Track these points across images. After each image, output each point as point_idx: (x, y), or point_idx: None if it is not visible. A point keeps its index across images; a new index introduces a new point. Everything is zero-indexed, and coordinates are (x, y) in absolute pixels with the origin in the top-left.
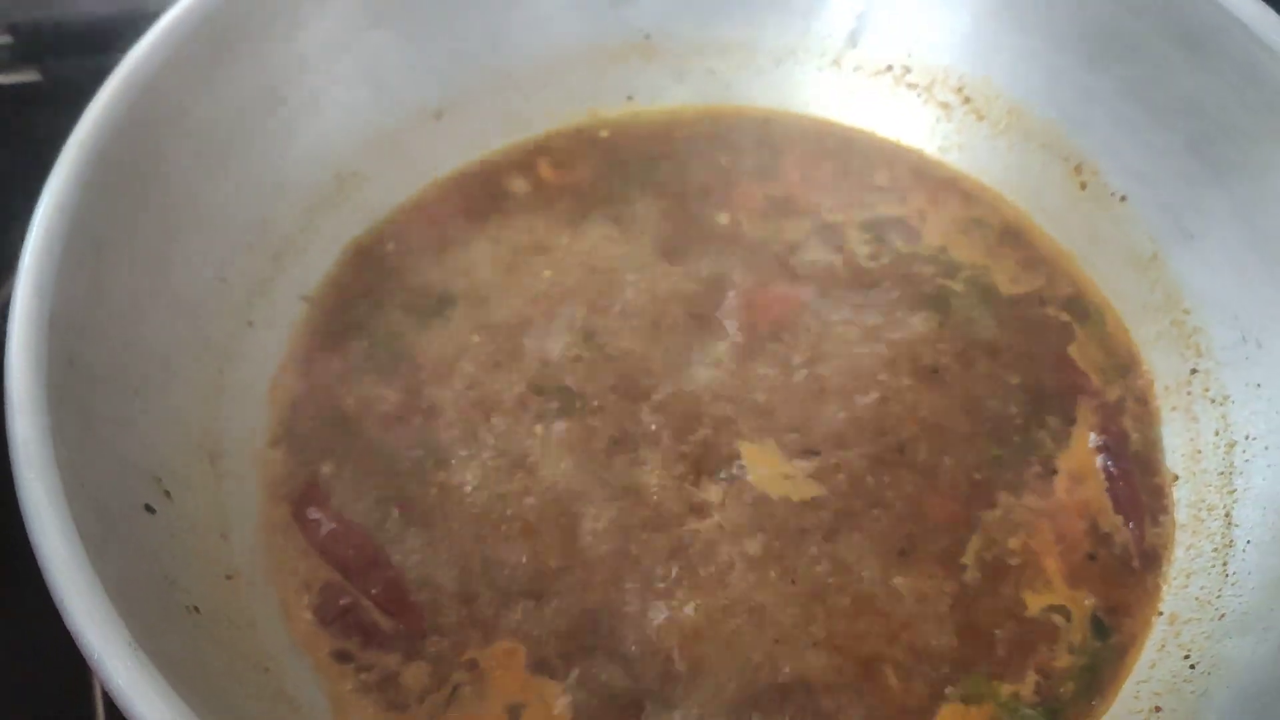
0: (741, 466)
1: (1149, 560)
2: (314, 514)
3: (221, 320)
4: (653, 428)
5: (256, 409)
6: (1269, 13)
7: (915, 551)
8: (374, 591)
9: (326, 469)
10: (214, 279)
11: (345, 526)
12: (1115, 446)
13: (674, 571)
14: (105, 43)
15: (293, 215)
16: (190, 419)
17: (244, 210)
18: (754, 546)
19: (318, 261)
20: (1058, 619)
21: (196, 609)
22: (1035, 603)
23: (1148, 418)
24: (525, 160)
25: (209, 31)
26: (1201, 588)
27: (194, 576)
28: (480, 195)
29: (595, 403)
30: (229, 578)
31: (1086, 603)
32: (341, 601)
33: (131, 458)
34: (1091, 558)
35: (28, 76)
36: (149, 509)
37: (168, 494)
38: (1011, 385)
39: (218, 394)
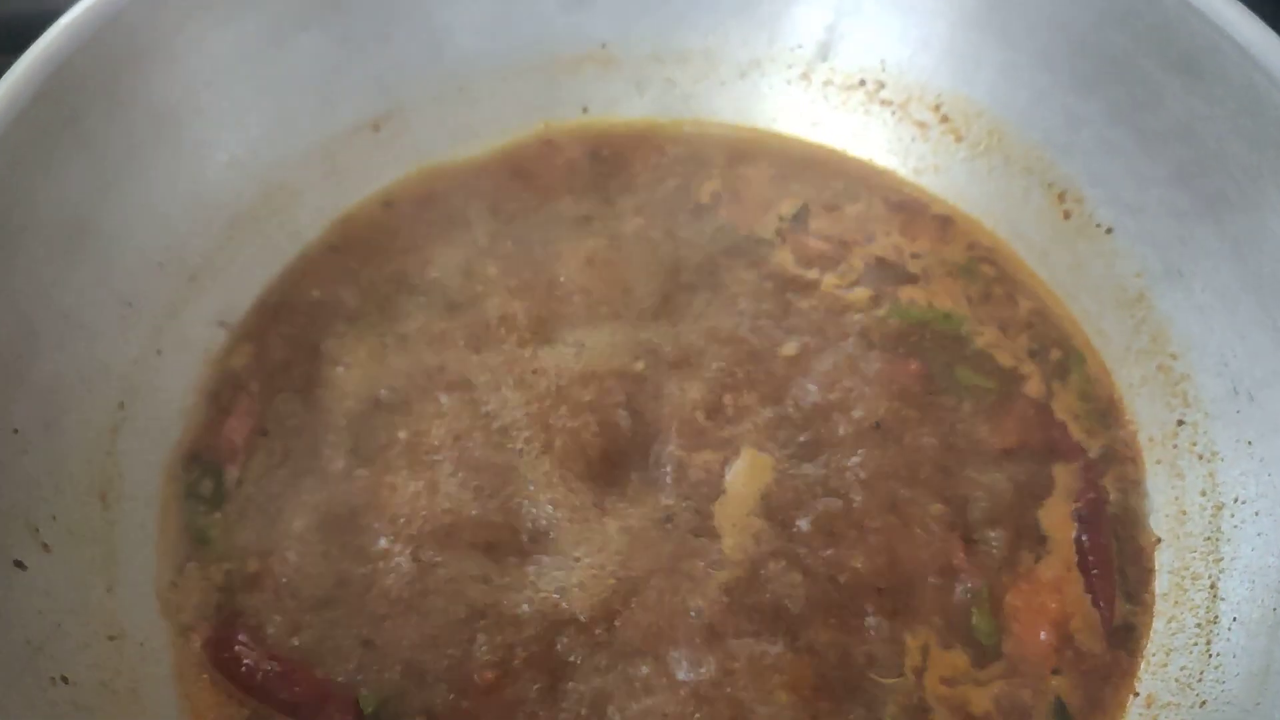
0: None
1: (1120, 637)
2: (245, 655)
3: (125, 348)
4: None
5: (162, 444)
6: (1270, 36)
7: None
8: None
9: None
10: (116, 303)
11: (284, 664)
12: (1091, 516)
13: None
14: (16, 43)
15: (211, 233)
16: (82, 458)
17: (153, 228)
18: None
19: (240, 284)
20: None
21: (64, 679)
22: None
23: (1132, 474)
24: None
25: (110, 36)
26: (1182, 668)
27: (67, 640)
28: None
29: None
30: (112, 638)
31: (1052, 683)
32: None
33: (3, 507)
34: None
35: None
36: (19, 565)
37: (45, 546)
38: (986, 453)
39: (116, 429)
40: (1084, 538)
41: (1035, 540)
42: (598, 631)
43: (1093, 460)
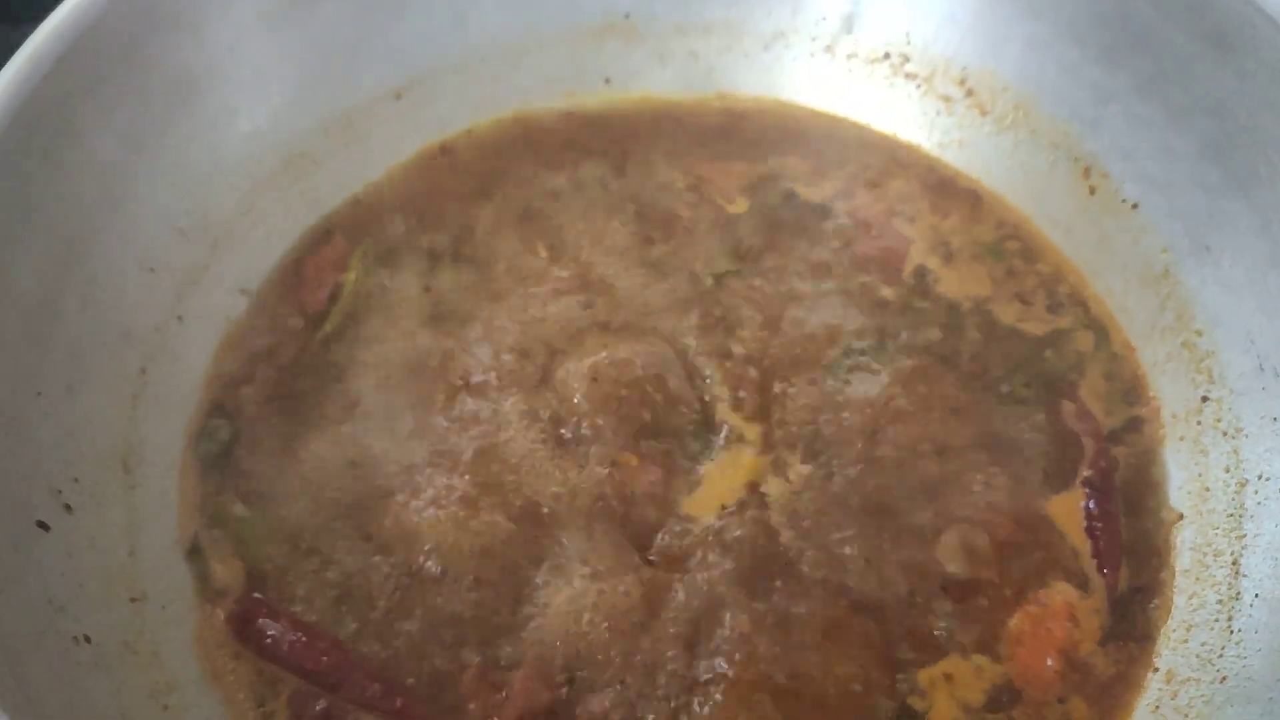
0: None
1: (1127, 608)
2: (269, 627)
3: (146, 314)
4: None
5: (183, 410)
6: None
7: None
8: (367, 695)
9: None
10: (138, 268)
11: (310, 634)
12: (1101, 483)
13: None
14: (36, 10)
15: (232, 200)
16: (104, 423)
17: (176, 195)
18: None
19: (260, 251)
20: None
21: (87, 638)
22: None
23: (1150, 448)
24: None
25: (131, 3)
26: (1203, 644)
27: (89, 601)
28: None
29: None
30: (134, 600)
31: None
32: (318, 707)
33: (26, 469)
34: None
35: None
36: (42, 525)
37: (68, 507)
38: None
39: (138, 395)
40: (1091, 504)
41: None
42: None
43: (1110, 433)
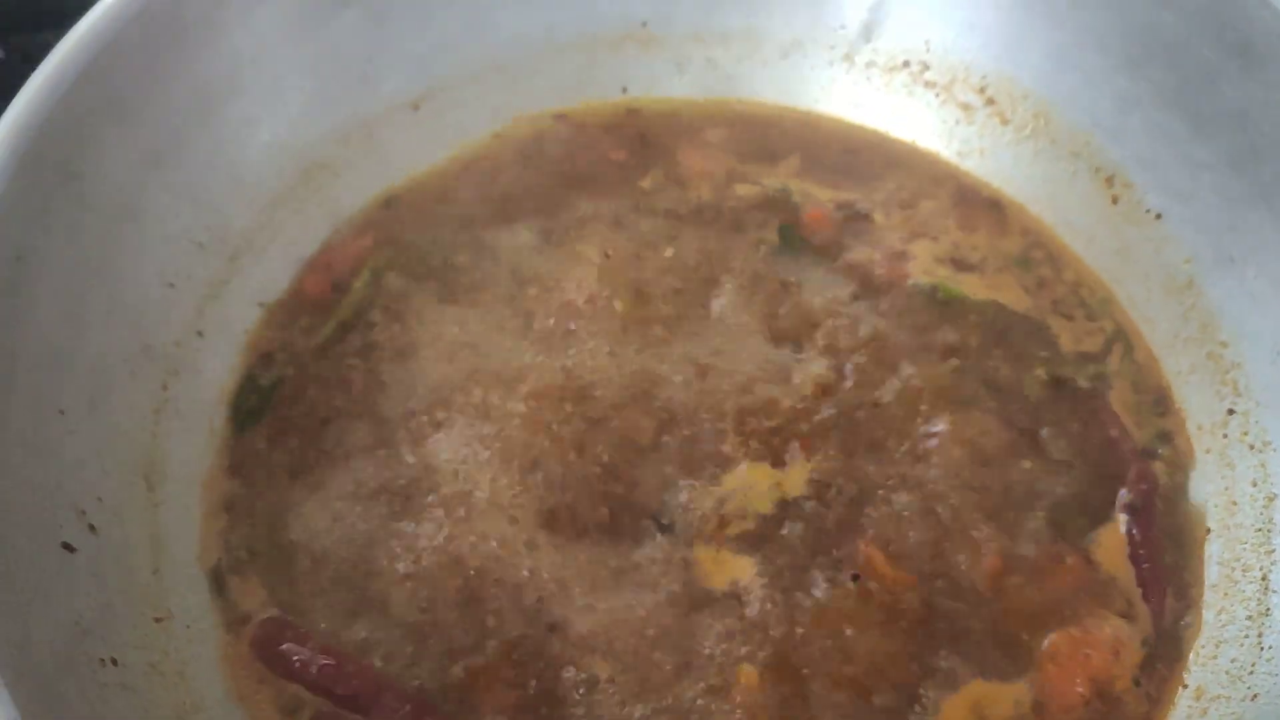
0: None
1: (1169, 638)
2: (295, 651)
3: (167, 329)
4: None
5: (203, 425)
6: None
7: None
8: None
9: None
10: (159, 283)
11: (337, 657)
12: (1142, 506)
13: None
14: (71, 18)
15: (252, 213)
16: (126, 440)
17: (195, 208)
18: None
19: (279, 265)
20: None
21: (113, 660)
22: None
23: (1181, 463)
24: None
25: (154, 14)
26: (1233, 660)
27: (115, 621)
28: None
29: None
30: (159, 620)
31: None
32: None
33: (50, 488)
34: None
35: None
36: (67, 547)
37: (92, 528)
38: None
39: (160, 410)
40: (1134, 530)
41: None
42: None
43: (1143, 450)
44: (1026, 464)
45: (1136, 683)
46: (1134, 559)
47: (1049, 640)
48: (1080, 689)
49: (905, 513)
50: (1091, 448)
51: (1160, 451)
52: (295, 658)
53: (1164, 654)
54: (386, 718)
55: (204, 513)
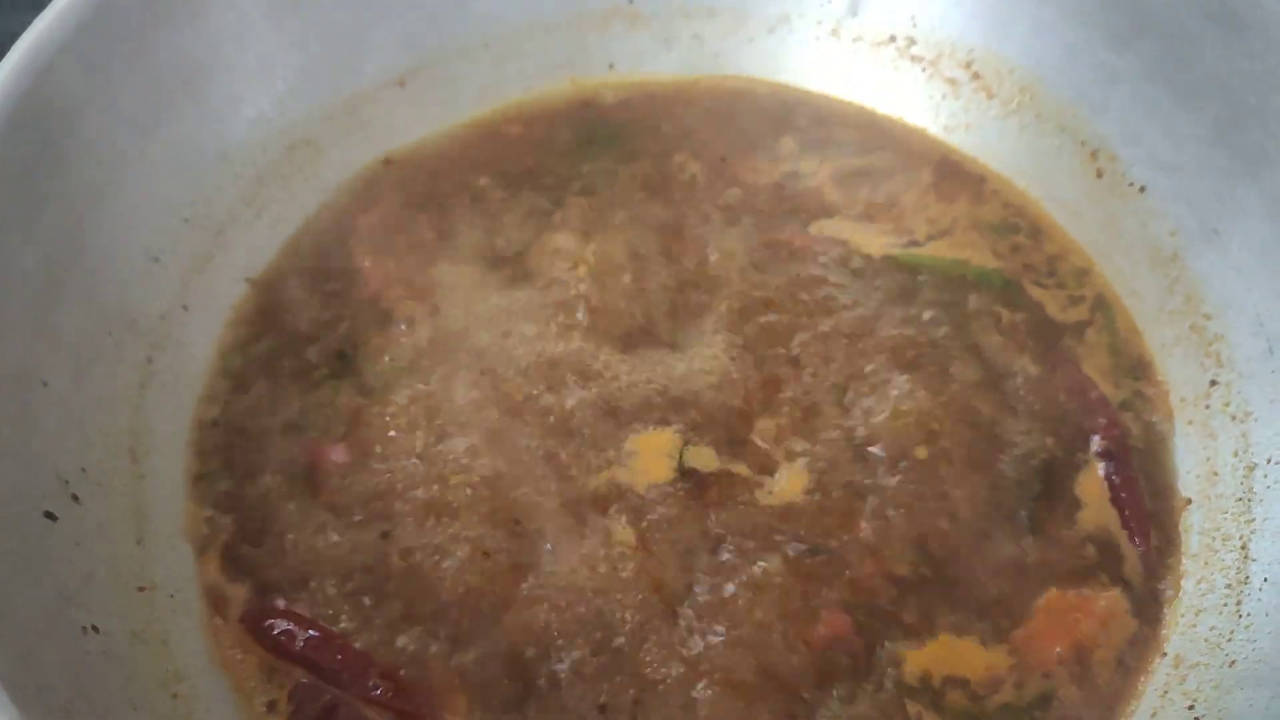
0: None
1: (1153, 591)
2: (281, 625)
3: (152, 302)
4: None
5: (188, 400)
6: None
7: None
8: (375, 692)
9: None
10: (144, 257)
11: (324, 632)
12: (1117, 451)
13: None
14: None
15: (238, 188)
16: (110, 412)
17: (181, 183)
18: None
19: (265, 239)
20: None
21: (95, 628)
22: None
23: (1158, 423)
24: None
25: None
26: (1211, 628)
27: (98, 590)
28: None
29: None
30: (142, 589)
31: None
32: (324, 699)
33: (33, 459)
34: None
35: None
36: (49, 516)
37: (75, 498)
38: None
39: (145, 384)
40: (1114, 476)
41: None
42: None
43: (1117, 405)
44: (993, 415)
45: (1120, 662)
46: (1115, 503)
47: (1045, 596)
48: (1059, 650)
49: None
50: (1059, 397)
51: (1135, 405)
52: (281, 630)
53: (1145, 617)
54: (362, 691)
55: (188, 484)
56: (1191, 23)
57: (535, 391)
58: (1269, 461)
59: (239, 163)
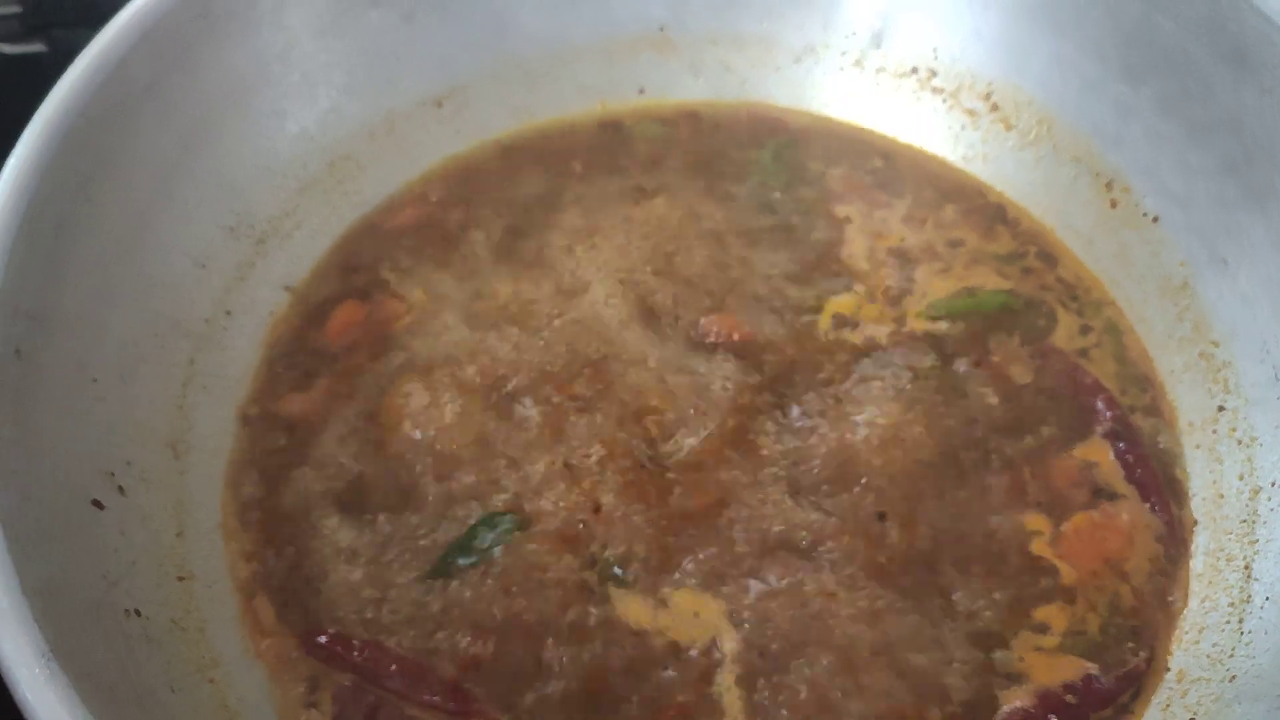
0: None
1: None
2: (335, 643)
3: (196, 307)
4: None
5: (228, 400)
6: None
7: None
8: (430, 700)
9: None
10: (191, 263)
11: (377, 649)
12: (1124, 431)
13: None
14: (112, 14)
15: (279, 199)
16: (155, 409)
17: (226, 194)
18: None
19: (304, 249)
20: None
21: (138, 612)
22: None
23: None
24: None
25: (189, 8)
26: (1214, 645)
27: (140, 577)
28: None
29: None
30: (181, 579)
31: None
32: (367, 700)
33: (82, 450)
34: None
35: (34, 47)
36: (97, 504)
37: (121, 489)
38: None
39: (187, 383)
40: (1127, 455)
41: None
42: None
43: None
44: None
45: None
46: (1130, 479)
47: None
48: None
49: None
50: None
51: (1142, 407)
52: (336, 648)
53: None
54: (417, 698)
55: (228, 483)
56: (1204, 60)
57: (583, 391)
58: (1273, 485)
59: (281, 176)
